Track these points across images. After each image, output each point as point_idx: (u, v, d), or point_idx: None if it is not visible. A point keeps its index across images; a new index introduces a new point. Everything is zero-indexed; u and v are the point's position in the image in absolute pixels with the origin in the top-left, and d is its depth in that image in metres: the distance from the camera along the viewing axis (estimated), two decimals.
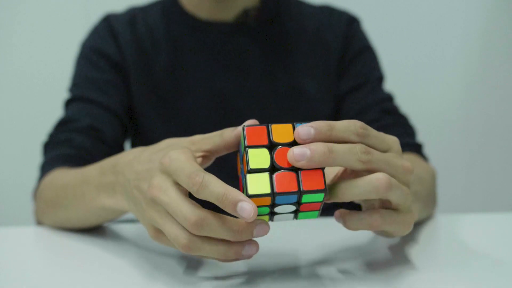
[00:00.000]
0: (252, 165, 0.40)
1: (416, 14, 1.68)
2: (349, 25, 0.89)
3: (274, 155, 0.41)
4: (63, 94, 0.88)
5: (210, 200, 0.40)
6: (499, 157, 1.74)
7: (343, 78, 0.86)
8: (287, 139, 0.41)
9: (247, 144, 0.41)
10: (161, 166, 0.43)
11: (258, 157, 0.41)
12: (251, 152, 0.41)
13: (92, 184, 0.57)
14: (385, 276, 0.47)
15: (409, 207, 0.44)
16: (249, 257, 0.42)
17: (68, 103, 0.83)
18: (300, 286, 0.45)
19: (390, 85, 0.92)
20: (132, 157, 0.51)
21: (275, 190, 0.40)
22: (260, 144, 0.41)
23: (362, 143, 0.41)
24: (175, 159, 0.42)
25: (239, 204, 0.38)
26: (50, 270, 0.52)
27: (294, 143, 0.41)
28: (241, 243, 0.41)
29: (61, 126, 0.79)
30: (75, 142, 0.76)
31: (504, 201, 1.71)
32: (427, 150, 0.81)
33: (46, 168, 0.74)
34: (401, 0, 1.67)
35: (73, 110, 0.81)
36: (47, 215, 0.66)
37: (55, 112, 0.92)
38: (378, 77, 0.87)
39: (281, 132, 0.41)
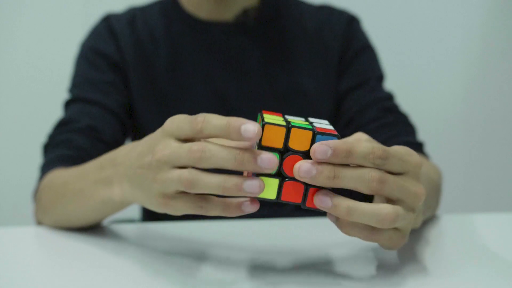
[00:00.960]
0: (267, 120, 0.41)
1: (416, 14, 1.68)
2: (349, 24, 0.89)
3: (283, 161, 0.40)
4: (63, 94, 0.88)
5: (215, 135, 0.41)
6: (499, 157, 1.73)
7: (343, 77, 0.86)
8: (302, 147, 0.41)
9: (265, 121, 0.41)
10: (163, 131, 0.44)
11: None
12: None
13: (90, 179, 0.58)
14: (391, 275, 0.47)
15: (407, 230, 0.44)
16: (253, 194, 0.40)
17: (68, 104, 0.83)
18: (302, 286, 0.45)
19: (389, 84, 0.91)
20: (130, 148, 0.52)
21: (280, 197, 0.41)
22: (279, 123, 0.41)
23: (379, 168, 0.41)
24: (176, 118, 0.44)
25: (243, 127, 0.39)
26: (50, 270, 0.52)
27: (308, 152, 0.41)
28: (242, 177, 0.40)
29: (61, 127, 0.79)
30: (75, 143, 0.76)
31: (505, 201, 1.71)
32: (426, 150, 0.81)
33: (45, 169, 0.74)
34: (401, 0, 1.68)
35: (72, 111, 0.81)
36: (48, 215, 0.65)
37: (55, 112, 0.92)
38: (378, 76, 0.87)
39: (299, 138, 0.41)
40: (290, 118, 0.44)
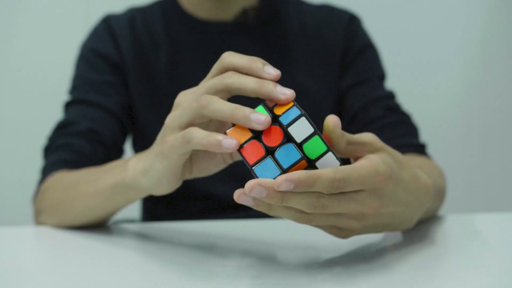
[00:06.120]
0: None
1: (416, 14, 1.68)
2: (350, 23, 0.89)
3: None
4: (64, 95, 0.88)
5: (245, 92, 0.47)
6: (501, 156, 1.73)
7: (344, 76, 0.86)
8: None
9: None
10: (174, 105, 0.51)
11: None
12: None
13: (110, 168, 0.60)
14: (392, 274, 0.47)
15: (353, 233, 0.47)
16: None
17: (68, 106, 0.83)
18: (303, 286, 0.45)
19: (389, 84, 0.91)
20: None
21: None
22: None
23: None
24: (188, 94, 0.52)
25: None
26: (50, 270, 0.52)
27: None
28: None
29: (60, 129, 0.79)
30: (74, 146, 0.75)
31: (507, 200, 1.71)
32: (428, 150, 0.81)
33: (46, 172, 0.73)
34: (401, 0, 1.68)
35: (72, 113, 0.80)
36: (53, 215, 0.65)
37: (56, 113, 0.92)
38: (379, 75, 0.87)
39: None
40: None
